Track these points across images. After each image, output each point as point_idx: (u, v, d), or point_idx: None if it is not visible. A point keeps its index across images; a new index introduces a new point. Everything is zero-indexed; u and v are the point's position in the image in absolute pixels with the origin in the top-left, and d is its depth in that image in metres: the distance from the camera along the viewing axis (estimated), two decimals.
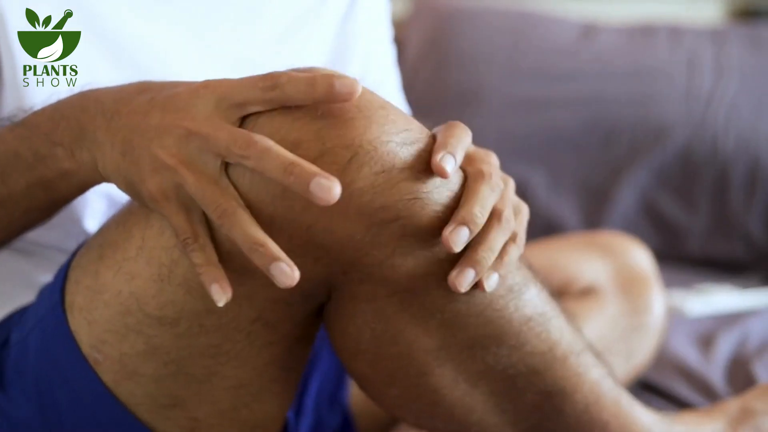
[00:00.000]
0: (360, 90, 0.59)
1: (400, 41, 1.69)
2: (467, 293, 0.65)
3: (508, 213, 0.66)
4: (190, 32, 0.85)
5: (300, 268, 0.60)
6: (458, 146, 0.63)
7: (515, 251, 0.67)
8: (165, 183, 0.62)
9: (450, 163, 0.62)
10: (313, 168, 0.58)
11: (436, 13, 1.79)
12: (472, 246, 0.64)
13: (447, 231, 0.62)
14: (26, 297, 0.82)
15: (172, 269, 0.65)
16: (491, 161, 0.67)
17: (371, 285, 0.65)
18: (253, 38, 0.90)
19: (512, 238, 0.67)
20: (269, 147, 0.58)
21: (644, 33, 1.72)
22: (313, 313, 0.70)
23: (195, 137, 0.60)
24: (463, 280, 0.63)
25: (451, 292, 0.65)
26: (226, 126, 0.60)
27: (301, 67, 0.65)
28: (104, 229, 0.71)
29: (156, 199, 0.63)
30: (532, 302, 0.70)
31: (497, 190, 0.65)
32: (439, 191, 0.63)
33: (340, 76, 0.59)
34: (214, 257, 0.62)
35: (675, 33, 1.72)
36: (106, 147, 0.65)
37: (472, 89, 1.68)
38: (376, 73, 1.03)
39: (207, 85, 0.62)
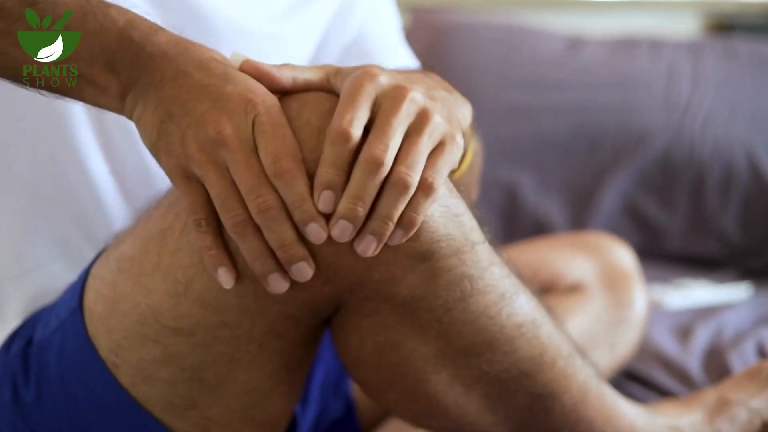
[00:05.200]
0: (324, 239, 0.59)
1: None
2: (463, 300, 0.65)
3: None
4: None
5: (311, 289, 0.62)
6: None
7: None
8: (188, 170, 0.60)
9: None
10: (302, 252, 0.59)
11: (433, 27, 1.78)
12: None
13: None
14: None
15: (188, 286, 0.64)
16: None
17: (375, 301, 0.65)
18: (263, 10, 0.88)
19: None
20: (275, 219, 0.58)
21: (626, 45, 1.72)
22: (321, 323, 0.70)
23: (227, 150, 0.58)
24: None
25: (448, 302, 0.65)
26: (256, 167, 0.58)
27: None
28: (121, 241, 0.70)
29: (174, 177, 0.61)
30: (522, 309, 0.69)
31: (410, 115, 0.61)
32: (432, 209, 0.62)
33: (317, 222, 0.58)
34: (221, 244, 0.61)
35: (655, 45, 1.71)
36: (150, 104, 0.62)
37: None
38: (376, 27, 1.00)
39: (255, 104, 0.59)
